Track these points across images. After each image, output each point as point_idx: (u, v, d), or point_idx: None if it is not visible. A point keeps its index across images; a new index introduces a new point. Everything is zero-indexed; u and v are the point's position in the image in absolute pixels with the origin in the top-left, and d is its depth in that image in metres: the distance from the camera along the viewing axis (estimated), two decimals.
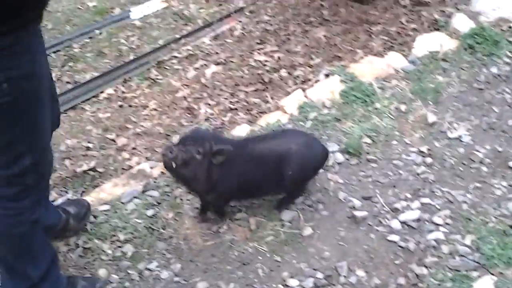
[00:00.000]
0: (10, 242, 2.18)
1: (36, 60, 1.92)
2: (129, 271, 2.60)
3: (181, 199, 2.93)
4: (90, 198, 2.94)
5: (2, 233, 2.15)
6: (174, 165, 2.45)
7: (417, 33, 4.33)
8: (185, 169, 2.48)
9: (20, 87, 1.84)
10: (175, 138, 3.44)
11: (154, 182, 3.04)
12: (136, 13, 4.78)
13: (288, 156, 2.66)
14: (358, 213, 2.81)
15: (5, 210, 2.10)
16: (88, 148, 3.41)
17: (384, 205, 2.87)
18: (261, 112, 3.65)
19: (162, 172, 3.09)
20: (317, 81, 3.84)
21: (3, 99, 1.81)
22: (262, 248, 2.68)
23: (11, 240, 2.17)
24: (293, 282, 2.52)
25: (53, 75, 3.98)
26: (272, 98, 3.76)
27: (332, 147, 3.18)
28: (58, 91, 3.82)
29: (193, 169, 2.48)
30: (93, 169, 3.23)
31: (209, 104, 3.74)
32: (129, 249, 2.70)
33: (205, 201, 2.77)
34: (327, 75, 3.86)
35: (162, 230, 2.78)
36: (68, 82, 4.03)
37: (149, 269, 2.61)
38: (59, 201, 2.95)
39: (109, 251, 2.69)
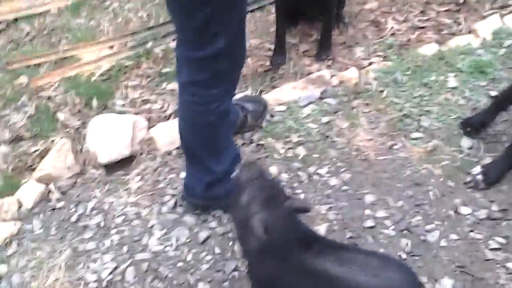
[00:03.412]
0: (197, 131, 2.17)
1: None
2: (299, 173, 2.62)
3: (358, 110, 2.89)
4: (268, 97, 2.98)
5: (189, 120, 2.16)
6: None
7: None
8: None
9: None
10: (358, 50, 3.36)
11: (333, 90, 3.01)
12: None
13: None
14: None
15: (193, 96, 2.07)
16: (269, 49, 3.43)
17: None
18: (451, 34, 3.43)
19: (341, 81, 3.05)
20: None
21: None
22: (437, 171, 2.58)
23: (198, 129, 2.16)
24: (465, 210, 2.40)
25: None
26: (465, 20, 3.52)
27: None
28: None
29: None
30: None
31: (397, 20, 3.58)
32: (301, 151, 2.72)
33: None
34: None
35: (336, 138, 2.77)
36: None
37: (318, 174, 2.61)
38: (237, 96, 2.99)
39: (281, 151, 2.73)
